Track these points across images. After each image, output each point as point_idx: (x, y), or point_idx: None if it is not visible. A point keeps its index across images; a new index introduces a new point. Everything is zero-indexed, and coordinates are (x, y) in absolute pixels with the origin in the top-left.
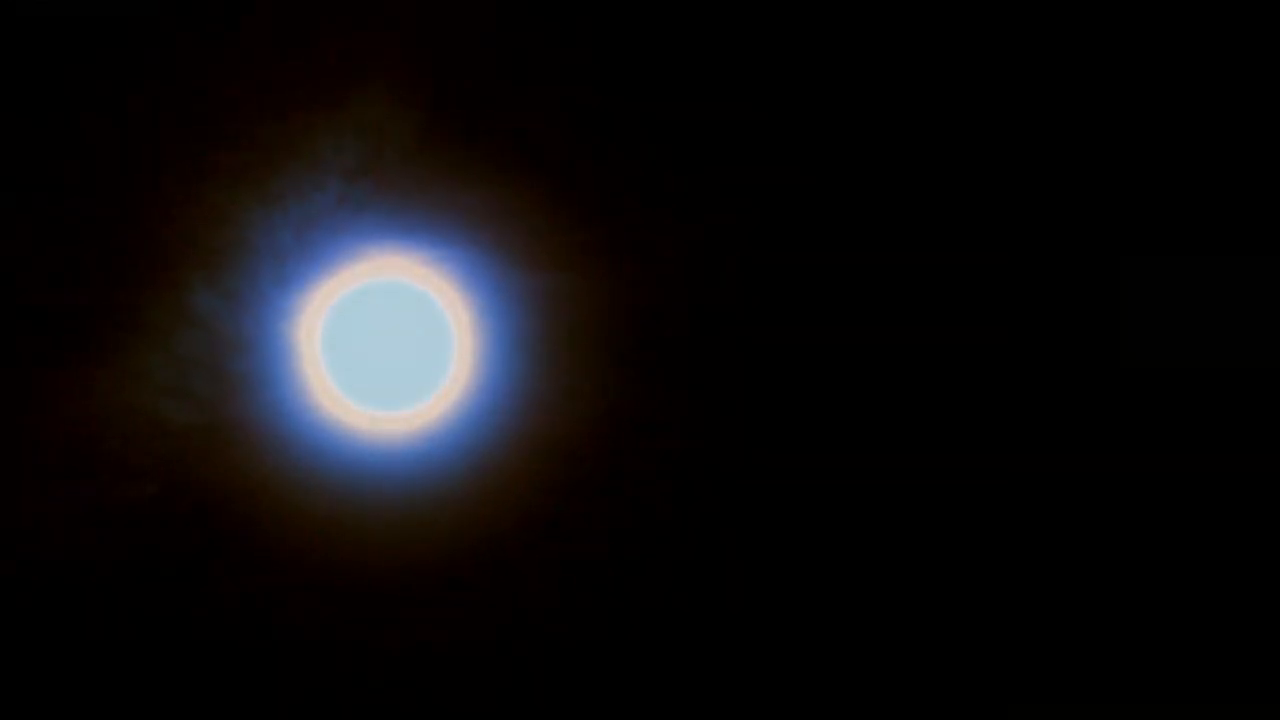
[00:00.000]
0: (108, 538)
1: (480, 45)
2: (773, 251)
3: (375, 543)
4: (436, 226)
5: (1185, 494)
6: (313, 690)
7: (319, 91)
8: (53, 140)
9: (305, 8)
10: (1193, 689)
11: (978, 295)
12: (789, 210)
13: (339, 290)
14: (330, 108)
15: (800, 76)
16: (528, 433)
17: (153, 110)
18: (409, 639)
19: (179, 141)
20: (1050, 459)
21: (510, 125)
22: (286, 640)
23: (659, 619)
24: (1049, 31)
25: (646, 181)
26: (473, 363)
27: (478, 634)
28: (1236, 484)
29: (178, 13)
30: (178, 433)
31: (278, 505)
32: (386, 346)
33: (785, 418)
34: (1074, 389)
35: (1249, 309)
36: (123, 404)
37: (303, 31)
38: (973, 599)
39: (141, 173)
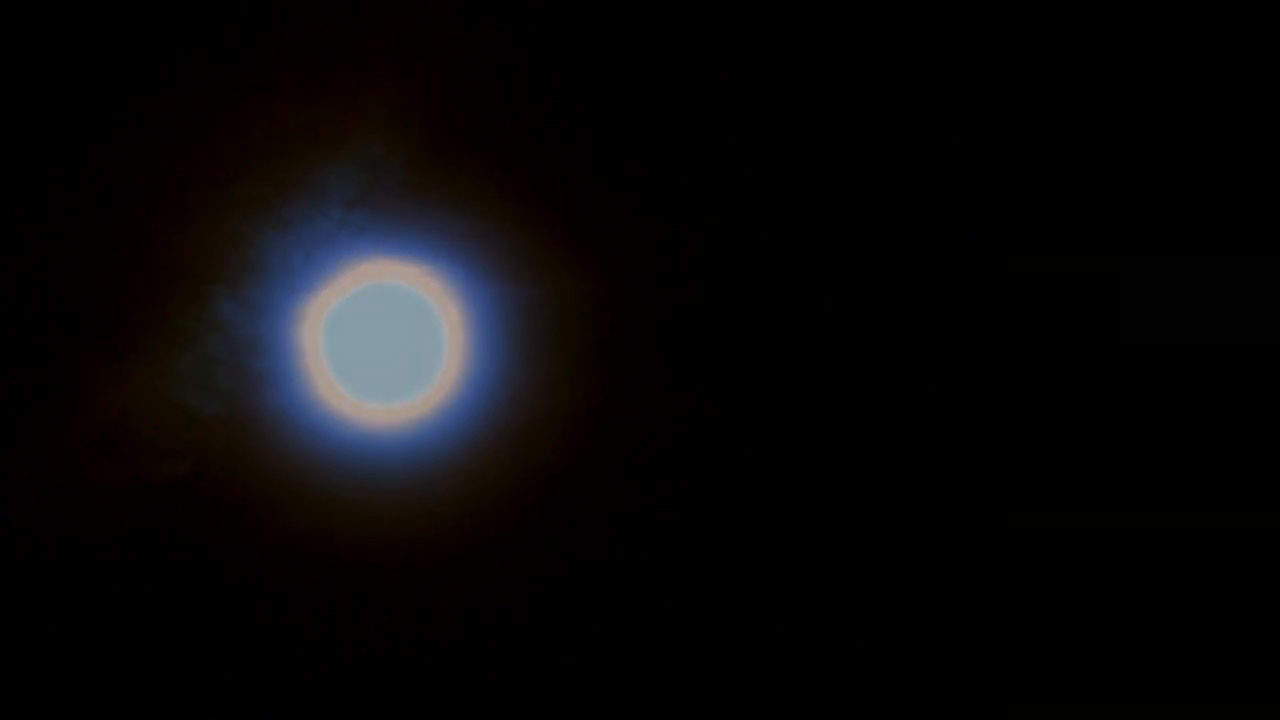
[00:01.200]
0: (145, 510)
1: (465, 87)
2: (755, 256)
3: (372, 518)
4: (427, 244)
5: (1185, 489)
6: (316, 662)
7: (323, 135)
8: (105, 188)
9: (313, 65)
10: (1193, 689)
11: (966, 294)
12: (772, 216)
13: (341, 299)
14: (332, 148)
15: (783, 83)
16: (510, 423)
17: (185, 154)
18: (406, 613)
19: (207, 179)
20: (1046, 457)
21: (495, 155)
22: (292, 607)
23: (642, 608)
24: (1048, 31)
25: (626, 194)
26: (461, 360)
27: (470, 609)
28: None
29: (205, 74)
30: (204, 421)
31: (288, 484)
32: (383, 347)
33: (769, 415)
34: (1073, 382)
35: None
36: (158, 396)
37: (308, 85)
38: (972, 596)
39: (176, 205)
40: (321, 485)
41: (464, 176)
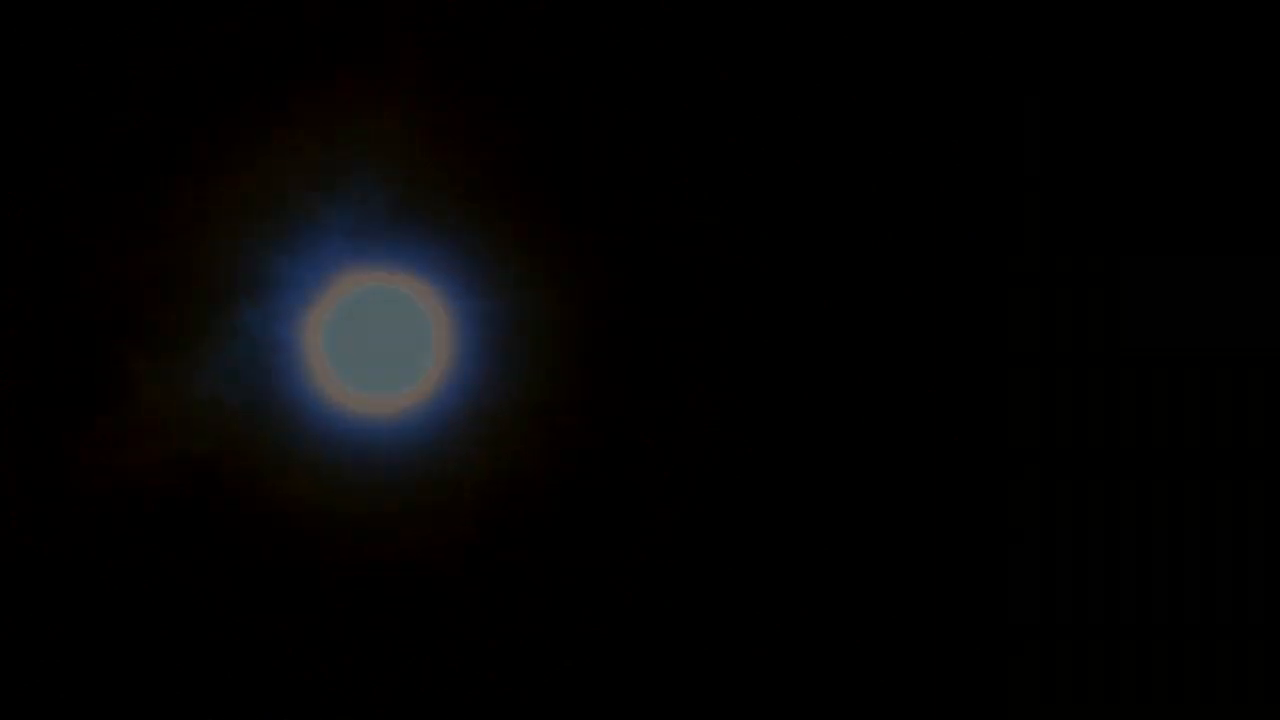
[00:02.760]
0: (186, 476)
1: (464, 91)
2: (755, 256)
3: (366, 494)
4: (424, 254)
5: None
6: (317, 662)
7: (327, 175)
8: (138, 223)
9: (317, 118)
10: (1193, 689)
11: (966, 294)
12: (773, 216)
13: (343, 305)
14: (334, 186)
15: (783, 83)
16: (507, 421)
17: (216, 192)
18: (406, 611)
19: (232, 212)
20: (1046, 457)
21: (493, 157)
22: (292, 604)
23: (642, 607)
24: (1048, 30)
25: (627, 194)
26: (455, 360)
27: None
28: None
29: (224, 126)
30: (228, 408)
31: (297, 459)
32: (380, 346)
33: (768, 415)
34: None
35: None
36: (191, 387)
37: (312, 133)
38: (972, 596)
39: (207, 234)
40: (323, 460)
41: (461, 184)
